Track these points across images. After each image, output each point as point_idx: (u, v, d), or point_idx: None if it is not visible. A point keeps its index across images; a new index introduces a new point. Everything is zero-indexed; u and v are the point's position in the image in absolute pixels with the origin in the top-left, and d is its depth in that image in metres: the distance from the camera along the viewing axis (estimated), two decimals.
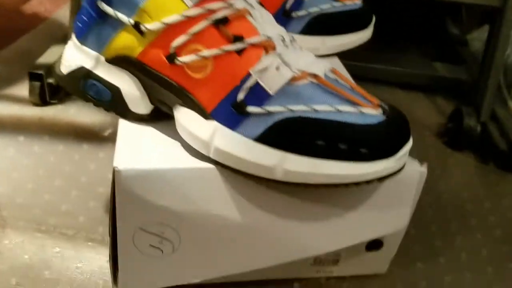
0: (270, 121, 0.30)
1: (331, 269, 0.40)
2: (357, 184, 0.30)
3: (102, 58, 0.34)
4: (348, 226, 0.35)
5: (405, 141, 0.31)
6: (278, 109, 0.30)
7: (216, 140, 0.31)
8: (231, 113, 0.31)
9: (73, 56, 0.36)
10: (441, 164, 0.58)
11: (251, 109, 0.30)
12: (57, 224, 0.42)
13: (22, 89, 0.61)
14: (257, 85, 0.31)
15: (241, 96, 0.31)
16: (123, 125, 0.35)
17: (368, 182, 0.30)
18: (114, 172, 0.31)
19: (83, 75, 0.35)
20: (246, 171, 0.31)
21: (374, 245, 0.39)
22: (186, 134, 0.33)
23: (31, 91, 0.59)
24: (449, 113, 0.65)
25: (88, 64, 0.35)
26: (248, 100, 0.31)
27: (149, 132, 0.35)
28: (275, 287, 0.39)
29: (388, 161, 0.30)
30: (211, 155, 0.32)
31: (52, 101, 0.61)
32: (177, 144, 0.34)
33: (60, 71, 0.37)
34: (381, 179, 0.31)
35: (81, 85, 0.36)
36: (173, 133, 0.35)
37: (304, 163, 0.30)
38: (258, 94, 0.31)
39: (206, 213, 0.33)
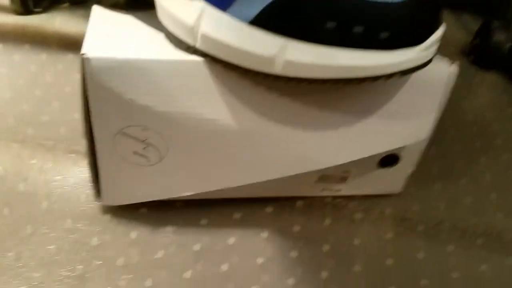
0: None
1: (338, 187, 0.36)
2: (374, 79, 0.25)
3: None
4: (360, 134, 0.30)
5: (435, 28, 0.26)
6: None
7: (203, 24, 0.26)
8: None
9: None
10: (466, 83, 0.52)
11: None
12: (35, 134, 0.38)
13: None
14: None
15: None
16: (96, 12, 0.30)
17: (387, 77, 0.25)
18: (83, 61, 0.26)
19: None
20: (239, 64, 0.26)
21: (389, 160, 0.34)
22: (168, 19, 0.28)
23: None
24: (476, 30, 0.59)
25: None
26: None
27: (126, 21, 0.30)
28: (275, 206, 0.35)
29: (413, 50, 0.25)
30: (198, 45, 0.26)
31: (36, 10, 0.55)
32: (159, 36, 0.29)
33: None
34: (404, 72, 0.25)
35: None
36: (155, 24, 0.30)
37: (309, 51, 0.24)
38: None
39: (194, 116, 0.28)
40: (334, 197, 0.37)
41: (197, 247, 0.32)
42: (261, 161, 0.31)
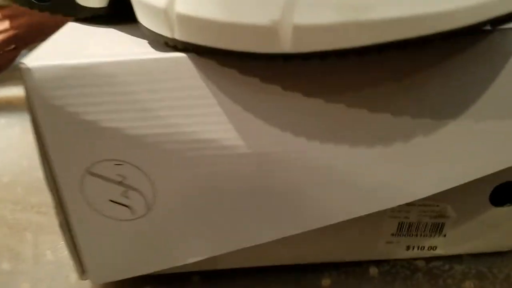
0: None
1: (432, 243, 0.24)
2: (444, 35, 0.15)
3: None
4: (448, 146, 0.19)
5: None
6: None
7: (177, 2, 0.18)
8: None
9: None
10: None
11: None
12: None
13: None
14: None
15: None
16: (65, 27, 0.23)
17: (468, 29, 0.15)
18: (23, 73, 0.19)
19: None
20: (231, 48, 0.17)
21: (505, 193, 0.22)
22: (140, 9, 0.20)
23: None
24: None
25: None
26: None
27: (98, 31, 0.23)
28: (334, 276, 0.24)
29: None
30: (176, 33, 0.18)
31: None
32: (135, 39, 0.22)
33: None
34: (494, 22, 0.15)
35: None
36: (138, 34, 0.22)
37: (328, 5, 0.15)
38: None
39: (183, 138, 0.19)
40: (428, 260, 0.24)
41: None
42: (300, 200, 0.20)
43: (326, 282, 0.24)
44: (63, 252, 0.27)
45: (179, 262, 0.22)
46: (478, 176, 0.19)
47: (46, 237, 0.28)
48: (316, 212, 0.20)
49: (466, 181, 0.19)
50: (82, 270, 0.23)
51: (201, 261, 0.22)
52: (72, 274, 0.25)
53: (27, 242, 0.28)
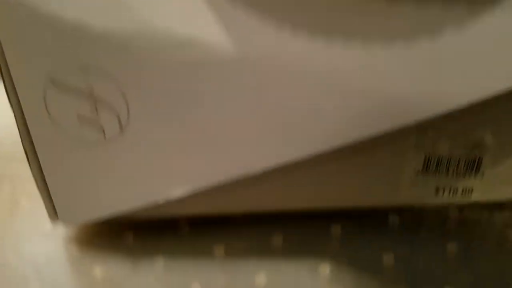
0: None
1: (466, 184, 0.19)
2: None
3: None
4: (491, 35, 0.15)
5: None
6: None
7: None
8: None
9: None
10: None
11: None
12: None
13: None
14: None
15: None
16: None
17: None
18: None
19: None
20: None
21: None
22: None
23: None
24: None
25: None
26: None
27: None
28: (345, 225, 0.20)
29: None
30: None
31: None
32: None
33: None
34: None
35: None
36: None
37: None
38: None
39: (163, 37, 0.16)
40: (462, 208, 0.20)
41: None
42: (305, 113, 0.17)
43: (335, 231, 0.20)
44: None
45: (158, 197, 0.19)
46: None
47: (24, 186, 0.25)
48: (326, 127, 0.17)
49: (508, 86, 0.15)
50: (54, 212, 0.20)
51: (185, 204, 0.19)
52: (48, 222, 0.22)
53: (2, 190, 0.25)
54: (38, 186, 0.19)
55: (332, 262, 0.18)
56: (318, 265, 0.18)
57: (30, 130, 0.18)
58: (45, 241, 0.21)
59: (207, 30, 0.16)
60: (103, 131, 0.18)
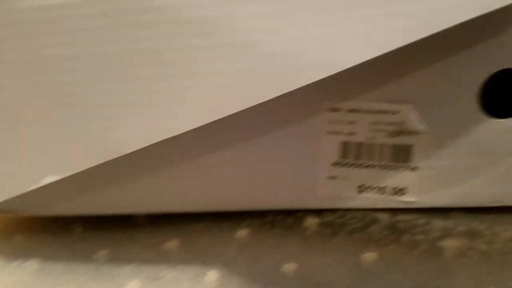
0: None
1: (397, 181, 0.16)
2: None
3: None
4: None
5: None
6: None
7: None
8: None
9: None
10: None
11: None
12: None
13: None
14: None
15: None
16: None
17: None
18: None
19: None
20: None
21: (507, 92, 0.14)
22: None
23: None
24: None
25: None
26: None
27: None
28: (251, 226, 0.16)
29: None
30: None
31: None
32: None
33: None
34: None
35: None
36: None
37: None
38: None
39: None
40: (395, 212, 0.16)
41: None
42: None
43: (242, 232, 0.16)
44: None
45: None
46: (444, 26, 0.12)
47: None
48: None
49: (426, 34, 0.12)
50: None
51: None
52: None
53: None
54: None
55: (224, 270, 0.15)
56: (205, 273, 0.15)
57: None
58: None
59: None
60: None
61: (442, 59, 0.13)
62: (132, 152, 0.14)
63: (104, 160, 0.14)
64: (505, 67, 0.13)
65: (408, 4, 0.11)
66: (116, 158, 0.14)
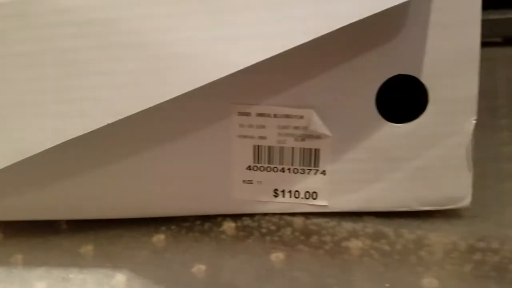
0: None
1: (308, 185, 0.16)
2: None
3: None
4: None
5: None
6: None
7: None
8: None
9: None
10: None
11: None
12: None
13: None
14: None
15: None
16: None
17: None
18: None
19: None
20: None
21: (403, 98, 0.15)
22: None
23: None
24: None
25: None
26: None
27: None
28: (169, 231, 0.17)
29: None
30: None
31: None
32: None
33: None
34: None
35: None
36: None
37: None
38: None
39: None
40: (309, 216, 0.17)
41: None
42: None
43: (159, 237, 0.16)
44: None
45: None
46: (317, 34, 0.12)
47: None
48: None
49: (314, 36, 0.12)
50: None
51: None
52: None
53: None
54: None
55: (132, 272, 0.15)
56: (113, 276, 0.15)
57: None
58: None
59: None
60: None
61: (340, 64, 0.14)
62: (44, 157, 0.14)
63: (11, 162, 0.14)
64: (400, 72, 0.14)
65: (299, 8, 0.12)
66: (30, 163, 0.14)
